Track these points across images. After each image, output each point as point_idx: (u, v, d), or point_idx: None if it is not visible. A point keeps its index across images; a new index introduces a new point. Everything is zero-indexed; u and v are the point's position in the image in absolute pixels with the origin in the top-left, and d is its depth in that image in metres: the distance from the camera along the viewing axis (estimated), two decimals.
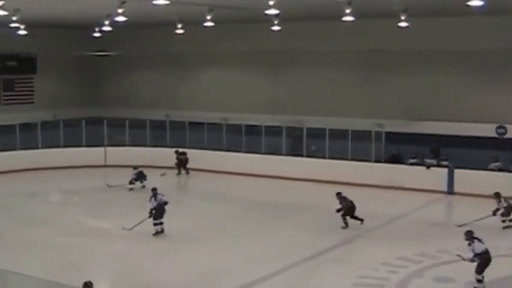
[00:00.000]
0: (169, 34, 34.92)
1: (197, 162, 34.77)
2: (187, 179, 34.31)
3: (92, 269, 20.37)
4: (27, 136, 36.81)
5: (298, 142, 34.21)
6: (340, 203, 24.51)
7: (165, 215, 23.67)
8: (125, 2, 23.93)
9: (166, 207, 23.78)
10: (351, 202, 24.50)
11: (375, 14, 29.97)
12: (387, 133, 32.06)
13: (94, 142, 36.95)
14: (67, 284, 12.68)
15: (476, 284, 18.02)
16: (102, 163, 36.37)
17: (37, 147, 36.56)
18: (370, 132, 31.93)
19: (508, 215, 24.24)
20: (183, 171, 34.57)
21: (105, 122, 37.09)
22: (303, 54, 35.62)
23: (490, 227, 22.88)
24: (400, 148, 32.13)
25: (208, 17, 27.90)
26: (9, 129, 36.39)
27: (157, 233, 23.55)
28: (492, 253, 18.10)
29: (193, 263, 20.53)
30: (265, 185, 32.21)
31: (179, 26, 32.92)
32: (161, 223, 23.65)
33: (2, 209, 27.77)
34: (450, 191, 29.47)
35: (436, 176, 29.90)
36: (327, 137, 32.76)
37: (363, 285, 18.45)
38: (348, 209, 24.29)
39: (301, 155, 33.64)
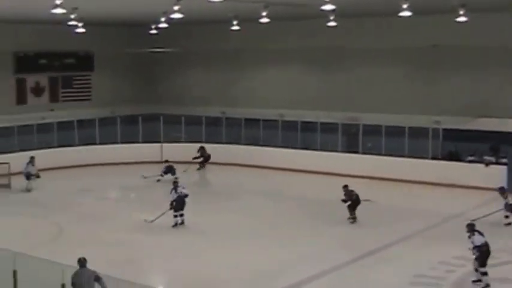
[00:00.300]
0: (225, 31, 34.95)
1: (253, 159, 34.80)
2: (233, 175, 34.30)
3: (150, 264, 20.61)
4: (84, 132, 37.27)
5: (354, 139, 34.00)
6: (345, 195, 25.11)
7: (222, 211, 23.84)
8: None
9: (187, 199, 24.45)
10: (356, 196, 25.08)
11: (432, 9, 29.59)
12: (445, 130, 31.60)
13: (150, 138, 37.23)
14: (125, 279, 12.77)
15: (480, 277, 18.14)
16: (159, 159, 36.58)
17: (95, 143, 37.01)
18: (427, 129, 31.55)
19: None
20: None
21: (161, 118, 37.33)
22: (359, 50, 35.31)
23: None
24: (457, 145, 31.61)
25: (264, 14, 27.88)
26: (67, 125, 36.90)
27: (176, 225, 24.22)
28: None
29: (248, 260, 20.57)
30: (320, 182, 32.07)
31: (235, 22, 32.95)
32: (181, 215, 24.35)
33: (61, 205, 28.13)
34: (510, 189, 28.96)
35: (495, 174, 29.39)
36: (383, 133, 32.53)
37: (419, 284, 18.27)
38: (352, 202, 24.87)
39: (356, 152, 33.47)
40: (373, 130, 33.09)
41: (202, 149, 35.30)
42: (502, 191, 24.63)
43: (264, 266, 19.88)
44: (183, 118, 37.39)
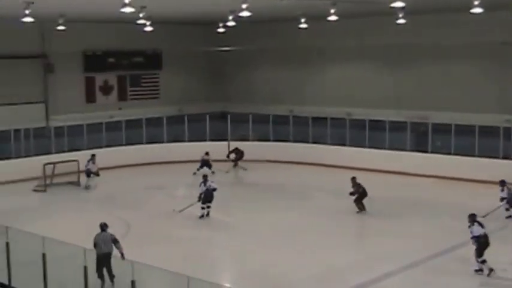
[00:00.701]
0: (293, 29, 34.82)
1: (320, 157, 34.65)
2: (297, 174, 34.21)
3: (218, 261, 20.69)
4: (152, 131, 37.53)
5: (422, 138, 33.59)
6: (353, 187, 25.82)
7: (295, 209, 23.83)
8: None
9: (215, 193, 25.24)
10: (363, 189, 25.79)
11: (504, 4, 29.08)
12: None
13: (218, 137, 37.31)
14: (193, 276, 12.80)
15: (481, 266, 18.84)
16: (225, 157, 36.69)
17: (162, 142, 37.26)
18: (499, 128, 31.03)
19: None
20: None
21: (228, 116, 37.40)
22: (429, 47, 34.80)
23: None
24: None
25: (332, 11, 27.70)
26: (135, 123, 37.23)
27: (202, 216, 25.03)
28: None
29: (317, 258, 20.54)
30: (388, 181, 31.78)
31: (302, 20, 32.84)
32: (208, 207, 25.18)
33: (130, 202, 28.40)
34: None
35: None
36: (453, 132, 32.05)
37: (490, 285, 18.10)
38: (359, 195, 25.63)
39: (425, 151, 33.05)
40: (442, 129, 32.63)
41: (236, 149, 35.54)
42: (502, 184, 24.99)
43: (334, 264, 19.87)
44: (250, 116, 37.43)
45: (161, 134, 37.52)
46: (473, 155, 31.41)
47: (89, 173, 31.03)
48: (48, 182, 31.59)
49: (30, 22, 27.11)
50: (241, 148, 35.46)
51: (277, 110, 38.77)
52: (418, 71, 35.91)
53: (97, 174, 31.12)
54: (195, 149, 35.49)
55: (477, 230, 18.93)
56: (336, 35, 36.84)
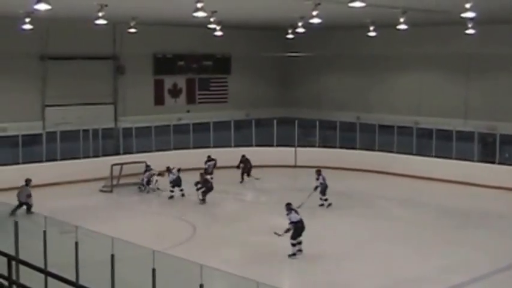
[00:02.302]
0: (361, 36, 34.66)
1: (387, 166, 34.50)
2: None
3: (281, 267, 20.69)
4: (220, 134, 37.75)
5: (490, 148, 33.22)
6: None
7: (354, 217, 23.77)
8: (319, 4, 24.04)
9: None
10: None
11: None
12: None
13: (285, 142, 37.39)
14: (258, 280, 12.84)
15: (292, 248, 21.26)
16: (292, 163, 36.75)
17: (230, 146, 37.46)
18: None
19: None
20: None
21: (296, 122, 37.48)
22: (498, 57, 34.33)
23: None
24: None
25: (402, 20, 27.57)
26: (203, 127, 37.51)
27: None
28: None
29: (382, 268, 20.43)
30: (455, 191, 31.51)
31: (371, 28, 32.74)
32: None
33: (196, 206, 28.61)
34: None
35: None
36: None
37: None
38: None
39: (493, 162, 32.67)
40: (511, 140, 32.22)
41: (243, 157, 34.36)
42: (318, 173, 28.05)
43: (398, 275, 19.73)
44: (317, 122, 37.45)
45: (228, 138, 37.76)
46: None
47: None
48: (115, 182, 32.03)
49: (103, 24, 27.54)
50: (251, 156, 34.30)
51: (344, 117, 38.71)
52: (486, 81, 35.46)
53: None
54: (262, 154, 35.61)
55: (294, 217, 21.55)
56: (405, 43, 36.55)
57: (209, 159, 33.30)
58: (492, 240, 23.54)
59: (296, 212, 21.86)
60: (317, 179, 27.95)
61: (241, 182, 33.38)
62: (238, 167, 33.86)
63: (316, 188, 27.89)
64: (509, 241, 23.33)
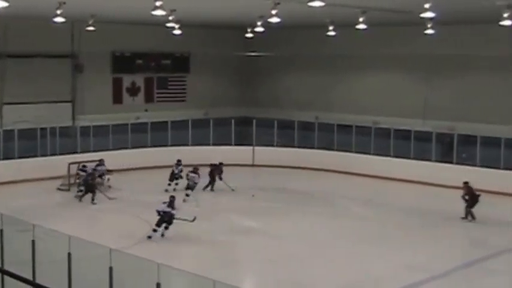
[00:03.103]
0: (321, 36, 34.71)
1: (345, 165, 34.66)
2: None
3: (241, 267, 20.67)
4: (178, 133, 37.66)
5: (448, 148, 33.50)
6: None
7: (316, 217, 23.87)
8: (278, 4, 24.05)
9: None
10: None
11: None
12: None
13: (243, 141, 37.39)
14: (220, 280, 12.84)
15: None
16: (250, 162, 36.72)
17: (187, 144, 37.39)
18: None
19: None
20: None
21: (254, 122, 37.49)
22: (458, 59, 34.60)
23: None
24: None
25: (361, 19, 27.69)
26: (161, 126, 37.39)
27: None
28: None
29: (345, 267, 20.56)
30: (414, 191, 31.73)
31: (331, 28, 32.83)
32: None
33: (154, 203, 28.47)
34: None
35: None
36: (478, 144, 31.93)
37: None
38: None
39: (451, 162, 32.93)
40: (468, 140, 32.54)
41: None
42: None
43: (363, 274, 19.88)
44: (275, 122, 37.48)
45: (186, 137, 37.67)
46: (498, 167, 31.28)
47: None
48: (72, 181, 31.79)
49: (61, 22, 27.31)
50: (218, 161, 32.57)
51: (303, 117, 38.77)
52: (445, 82, 35.75)
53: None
54: (220, 153, 35.58)
55: (161, 207, 23.36)
56: (364, 43, 36.73)
57: (178, 163, 32.57)
58: (450, 239, 23.73)
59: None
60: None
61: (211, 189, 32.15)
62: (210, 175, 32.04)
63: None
64: (466, 240, 23.56)
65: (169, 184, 30.48)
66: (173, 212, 23.39)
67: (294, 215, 26.77)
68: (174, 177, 30.76)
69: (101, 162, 31.40)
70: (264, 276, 20.21)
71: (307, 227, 25.22)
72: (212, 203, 29.64)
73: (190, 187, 29.37)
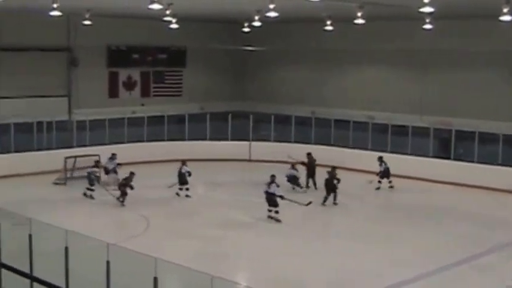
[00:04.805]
0: (318, 31, 34.71)
1: (342, 161, 34.51)
2: None
3: (232, 261, 20.63)
4: (174, 128, 37.60)
5: (445, 144, 33.44)
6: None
7: (309, 214, 23.77)
8: None
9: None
10: None
11: None
12: None
13: (239, 136, 37.30)
14: (210, 273, 12.81)
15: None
16: (247, 157, 36.64)
17: (184, 139, 37.30)
18: None
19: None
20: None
21: (251, 116, 37.40)
22: (455, 54, 34.50)
23: None
24: None
25: (359, 14, 27.59)
26: (157, 120, 37.31)
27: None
28: None
29: (333, 263, 20.49)
30: (409, 187, 31.64)
31: (328, 22, 32.75)
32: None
33: (151, 199, 28.42)
34: None
35: None
36: (476, 140, 31.87)
37: None
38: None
39: (448, 158, 32.88)
40: (466, 136, 32.48)
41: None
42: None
43: (348, 270, 19.81)
44: (272, 117, 37.39)
45: (183, 131, 37.59)
46: (497, 164, 31.23)
47: (106, 171, 30.94)
48: (68, 175, 31.72)
49: (57, 16, 27.18)
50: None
51: (299, 111, 38.72)
52: (443, 77, 35.66)
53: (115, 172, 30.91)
54: (216, 148, 35.57)
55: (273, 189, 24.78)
56: (362, 38, 36.69)
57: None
58: (443, 236, 23.64)
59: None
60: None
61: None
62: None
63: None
64: (459, 237, 23.46)
65: (180, 189, 29.67)
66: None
67: (287, 209, 26.51)
68: (183, 179, 29.81)
69: (113, 157, 31.08)
70: (254, 272, 20.13)
71: (300, 221, 25.25)
72: (204, 196, 29.71)
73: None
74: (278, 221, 24.47)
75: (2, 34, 33.82)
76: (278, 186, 25.36)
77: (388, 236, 23.45)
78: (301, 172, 30.73)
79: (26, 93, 35.14)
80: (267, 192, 24.97)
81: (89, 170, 29.65)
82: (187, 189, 28.78)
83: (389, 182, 30.83)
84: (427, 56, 35.71)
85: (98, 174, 29.60)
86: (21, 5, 28.24)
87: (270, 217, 24.76)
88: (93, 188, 28.98)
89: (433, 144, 33.79)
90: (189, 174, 28.78)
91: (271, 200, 24.86)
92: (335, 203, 27.64)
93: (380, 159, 31.05)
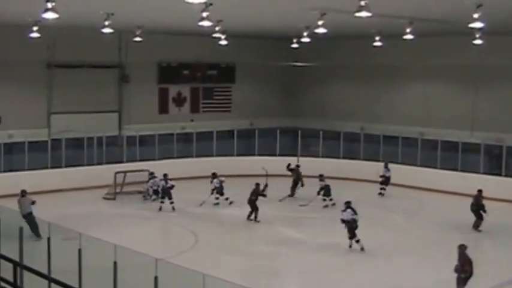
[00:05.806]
0: (367, 46, 34.65)
1: (392, 177, 34.33)
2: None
3: (283, 278, 20.60)
4: (223, 143, 37.72)
5: (496, 160, 33.06)
6: None
7: (360, 228, 23.66)
8: (325, 14, 23.99)
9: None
10: None
11: None
12: None
13: (288, 152, 37.30)
14: None
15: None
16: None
17: (232, 155, 37.43)
18: None
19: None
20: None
21: (299, 132, 37.39)
22: (506, 68, 34.20)
23: None
24: None
25: (408, 30, 27.52)
26: (206, 136, 37.49)
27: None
28: None
29: (382, 279, 20.33)
30: (460, 204, 31.27)
31: (377, 38, 32.69)
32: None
33: (200, 214, 28.52)
34: None
35: None
36: None
37: None
38: None
39: (499, 174, 32.50)
40: None
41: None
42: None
43: (397, 286, 19.62)
44: (321, 132, 37.33)
45: (231, 147, 37.72)
46: None
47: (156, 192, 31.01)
48: (118, 190, 32.00)
49: (109, 33, 27.58)
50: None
51: (348, 127, 38.63)
52: (494, 93, 35.32)
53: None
54: (265, 164, 35.48)
55: (346, 216, 23.29)
56: (411, 53, 36.53)
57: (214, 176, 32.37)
58: (496, 254, 23.41)
59: (352, 210, 23.43)
60: (211, 182, 30.57)
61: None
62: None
63: (213, 190, 30.36)
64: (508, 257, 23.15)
65: (217, 198, 30.36)
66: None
67: (336, 224, 26.43)
68: (220, 191, 30.49)
69: (165, 177, 30.84)
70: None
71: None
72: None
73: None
74: (362, 249, 23.58)
75: (55, 51, 34.30)
76: (354, 210, 23.77)
77: (437, 254, 23.17)
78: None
79: (78, 109, 35.62)
80: (342, 220, 23.73)
81: (150, 183, 30.20)
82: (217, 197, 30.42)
83: (383, 189, 32.65)
84: (478, 71, 35.39)
85: (156, 188, 30.11)
86: (74, 22, 28.65)
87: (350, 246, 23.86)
88: (163, 200, 29.44)
89: (483, 161, 33.38)
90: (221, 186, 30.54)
91: (349, 229, 23.84)
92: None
93: (386, 165, 32.86)
